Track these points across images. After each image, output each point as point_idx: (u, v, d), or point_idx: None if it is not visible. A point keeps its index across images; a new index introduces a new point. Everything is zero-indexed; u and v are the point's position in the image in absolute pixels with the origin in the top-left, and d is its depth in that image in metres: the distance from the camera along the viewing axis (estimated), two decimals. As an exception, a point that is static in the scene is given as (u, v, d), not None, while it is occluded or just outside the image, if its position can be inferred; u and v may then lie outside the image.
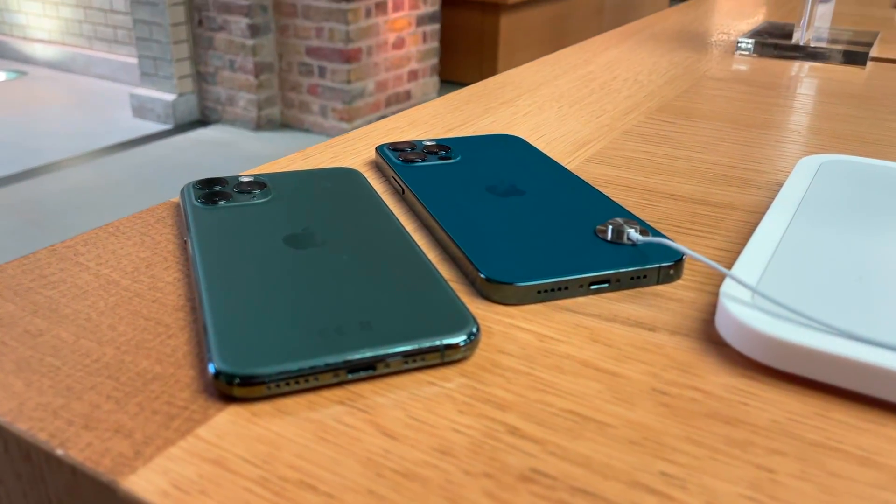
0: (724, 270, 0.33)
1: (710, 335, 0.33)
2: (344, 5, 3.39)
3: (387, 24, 3.63)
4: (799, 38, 0.82)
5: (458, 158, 0.49)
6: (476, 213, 0.41)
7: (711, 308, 0.35)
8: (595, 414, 0.28)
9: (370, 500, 0.23)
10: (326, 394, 0.28)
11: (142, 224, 0.41)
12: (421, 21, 3.84)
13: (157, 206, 0.44)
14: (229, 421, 0.27)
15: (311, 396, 0.28)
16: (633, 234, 0.38)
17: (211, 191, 0.42)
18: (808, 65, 0.84)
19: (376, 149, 0.50)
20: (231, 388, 0.27)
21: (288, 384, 0.28)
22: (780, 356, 0.29)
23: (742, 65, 0.83)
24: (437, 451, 0.26)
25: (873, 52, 0.86)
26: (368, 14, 3.51)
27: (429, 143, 0.51)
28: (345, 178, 0.45)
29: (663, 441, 0.26)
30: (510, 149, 0.51)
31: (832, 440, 0.26)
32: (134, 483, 0.24)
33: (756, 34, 0.88)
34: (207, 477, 0.24)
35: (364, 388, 0.29)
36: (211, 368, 0.28)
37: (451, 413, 0.28)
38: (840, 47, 0.84)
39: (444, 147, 0.50)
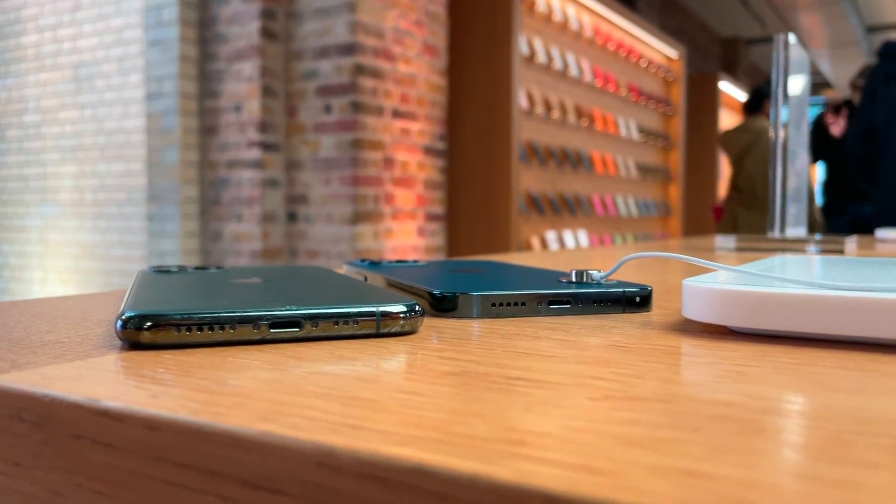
0: (708, 263, 0.31)
1: (677, 325, 0.30)
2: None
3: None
4: (774, 233, 0.85)
5: (426, 265, 0.48)
6: (437, 276, 0.39)
7: (682, 322, 0.32)
8: (543, 352, 0.25)
9: (275, 392, 0.20)
10: (245, 347, 0.25)
11: (84, 298, 0.40)
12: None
13: (109, 292, 0.43)
14: (131, 356, 0.24)
15: (226, 349, 0.25)
16: (597, 274, 0.36)
17: (164, 268, 0.41)
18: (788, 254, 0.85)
19: (345, 263, 0.50)
20: (139, 333, 0.25)
21: (201, 330, 0.25)
22: (751, 311, 0.27)
23: (723, 256, 0.85)
24: (361, 365, 0.22)
25: (848, 249, 0.88)
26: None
27: (400, 259, 0.51)
28: (307, 267, 0.44)
29: (617, 361, 0.23)
30: (482, 263, 0.51)
31: (809, 363, 0.23)
32: (7, 377, 0.21)
33: (735, 237, 0.91)
34: (86, 374, 0.21)
35: (288, 346, 0.26)
36: (118, 324, 0.25)
37: (381, 352, 0.25)
38: (811, 244, 0.86)
39: (413, 260, 0.50)
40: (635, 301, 0.34)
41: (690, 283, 0.29)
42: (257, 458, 0.15)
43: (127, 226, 3.95)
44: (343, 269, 0.51)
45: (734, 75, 7.01)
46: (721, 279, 0.30)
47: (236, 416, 0.17)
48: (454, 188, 3.65)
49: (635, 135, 4.73)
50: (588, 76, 4.16)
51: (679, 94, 5.40)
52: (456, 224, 3.67)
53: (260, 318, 0.26)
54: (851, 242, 0.88)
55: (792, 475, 0.13)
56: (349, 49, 3.18)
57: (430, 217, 3.60)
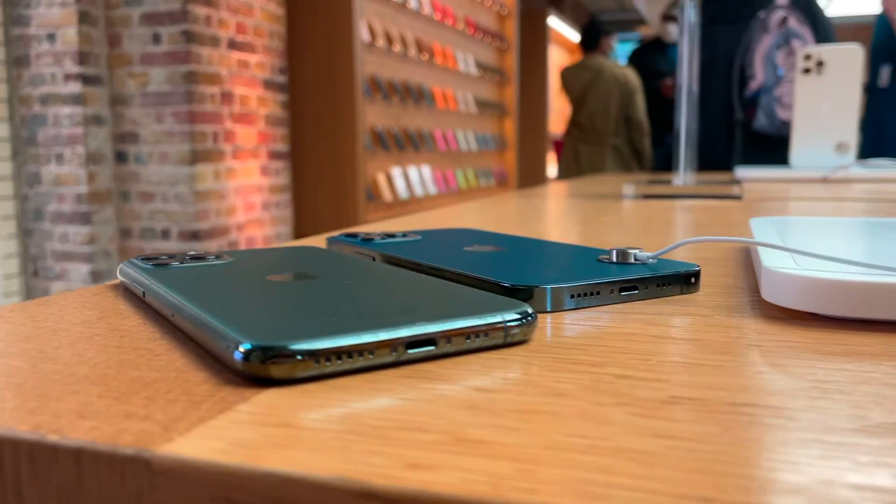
0: (781, 246, 0.31)
1: (761, 310, 0.31)
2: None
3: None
4: (678, 181, 0.89)
5: (420, 238, 0.46)
6: (471, 258, 0.37)
7: (752, 301, 0.33)
8: (696, 360, 0.24)
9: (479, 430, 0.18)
10: (384, 372, 0.23)
11: (77, 297, 0.35)
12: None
13: (91, 287, 0.37)
14: (276, 397, 0.21)
15: (366, 376, 0.22)
16: (639, 254, 0.36)
17: (160, 260, 0.36)
18: (689, 202, 0.90)
19: (327, 239, 0.46)
20: (268, 366, 0.21)
21: (340, 359, 0.22)
22: (848, 300, 0.27)
23: (631, 205, 0.88)
24: (551, 394, 0.21)
25: (739, 192, 0.94)
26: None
27: (384, 232, 0.48)
28: (306, 249, 0.41)
29: (776, 367, 0.23)
30: (471, 233, 0.49)
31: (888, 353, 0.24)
32: (176, 448, 0.17)
33: (638, 183, 0.94)
34: (274, 435, 0.18)
35: (427, 367, 0.23)
36: (237, 355, 0.22)
37: (542, 371, 0.23)
38: (711, 189, 0.91)
39: (401, 233, 0.48)
40: (690, 281, 0.34)
41: (773, 268, 0.30)
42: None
43: (-78, 169, 3.49)
44: (326, 246, 0.47)
45: (561, 11, 7.21)
46: (801, 264, 0.30)
47: (545, 494, 0.15)
48: (298, 124, 3.53)
49: (473, 70, 4.78)
50: (427, 9, 4.12)
51: (512, 29, 5.49)
52: (301, 162, 3.57)
53: (398, 339, 0.23)
54: (737, 187, 0.94)
55: None
56: (179, -26, 2.95)
57: (274, 155, 3.47)
